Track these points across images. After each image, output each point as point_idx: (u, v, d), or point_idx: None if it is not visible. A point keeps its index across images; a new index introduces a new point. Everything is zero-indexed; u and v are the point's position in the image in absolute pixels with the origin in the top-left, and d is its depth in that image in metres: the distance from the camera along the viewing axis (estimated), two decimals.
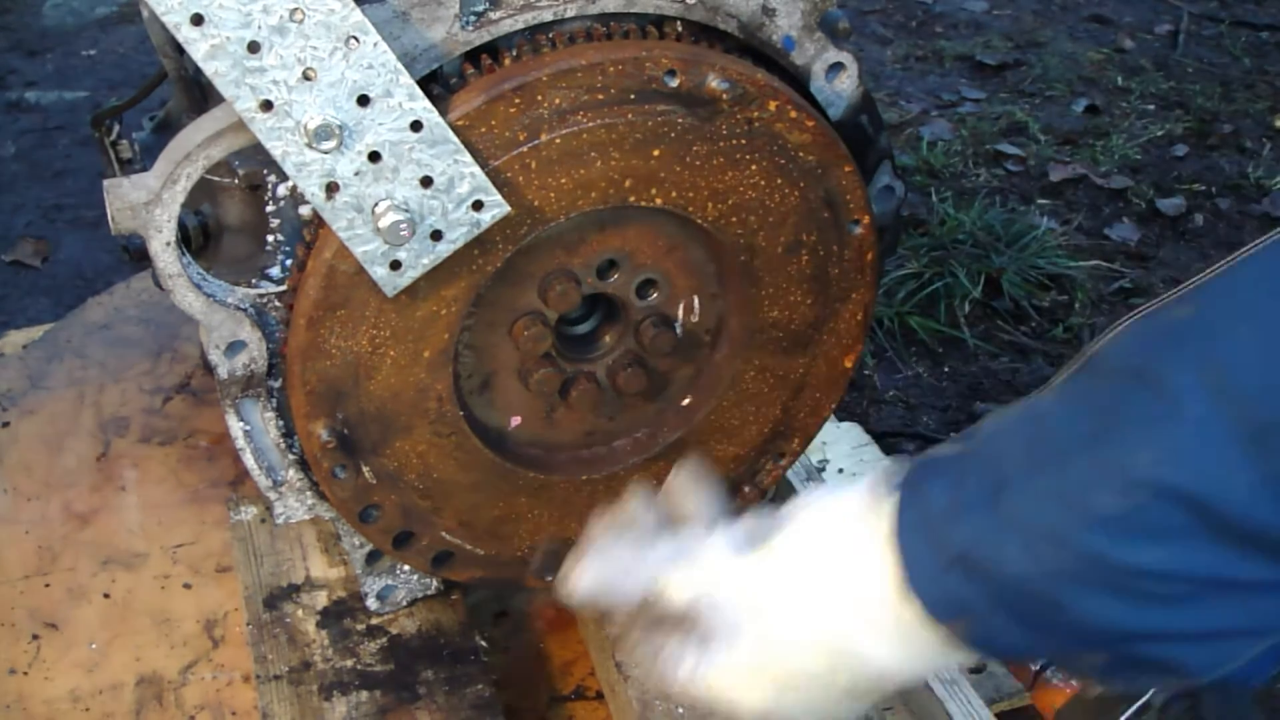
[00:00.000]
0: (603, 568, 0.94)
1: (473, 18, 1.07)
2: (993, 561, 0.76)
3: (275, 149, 0.99)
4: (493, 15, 1.07)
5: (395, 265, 1.06)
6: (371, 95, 0.99)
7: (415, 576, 1.35)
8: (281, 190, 1.13)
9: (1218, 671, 0.76)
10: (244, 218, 1.34)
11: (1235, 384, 0.69)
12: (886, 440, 2.37)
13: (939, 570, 0.79)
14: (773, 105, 1.12)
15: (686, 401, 1.31)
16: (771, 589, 0.87)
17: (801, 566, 0.87)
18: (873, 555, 0.82)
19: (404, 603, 1.36)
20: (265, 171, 1.15)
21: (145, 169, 1.12)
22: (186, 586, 1.51)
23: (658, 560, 0.92)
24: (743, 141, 1.13)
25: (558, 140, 1.07)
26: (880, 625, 0.82)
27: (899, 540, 0.80)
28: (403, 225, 1.03)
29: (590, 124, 1.07)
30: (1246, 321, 0.70)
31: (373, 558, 1.32)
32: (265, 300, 1.14)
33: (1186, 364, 0.71)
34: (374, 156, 1.01)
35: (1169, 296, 0.76)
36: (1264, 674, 0.79)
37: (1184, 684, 0.78)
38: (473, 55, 1.08)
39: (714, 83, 1.09)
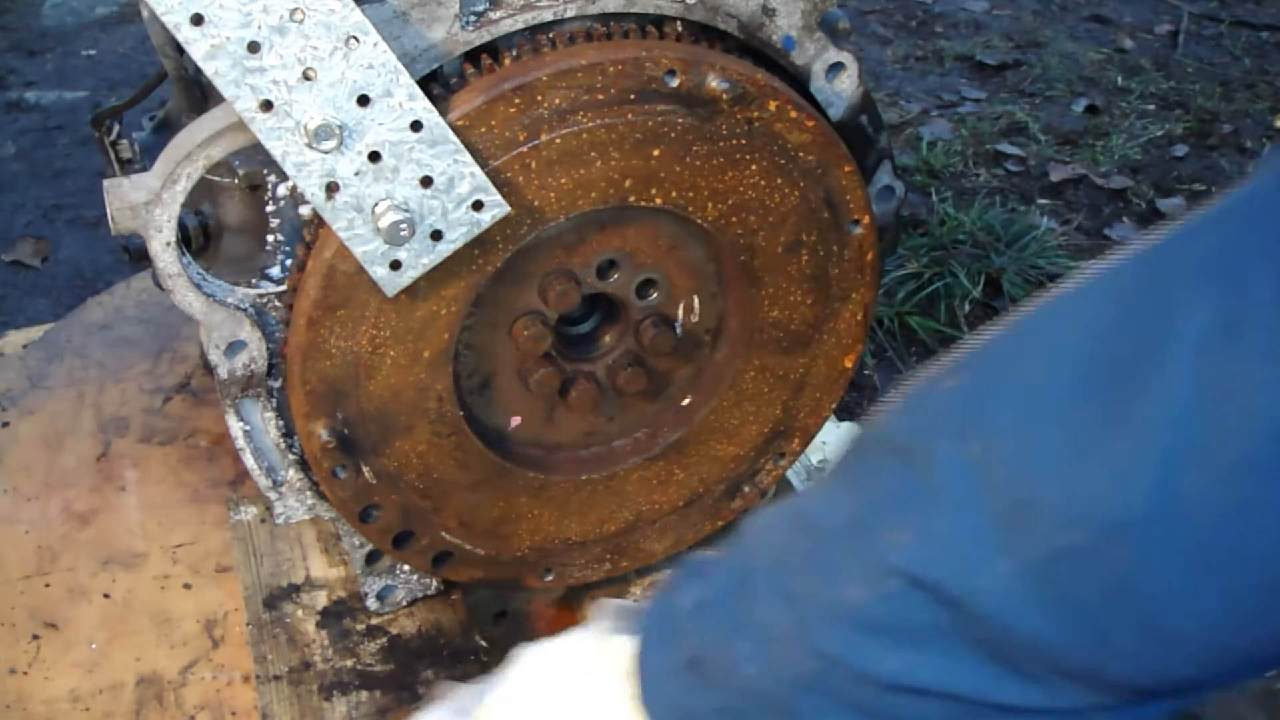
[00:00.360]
0: None
1: (473, 18, 1.07)
2: (723, 665, 0.68)
3: (275, 149, 0.99)
4: (493, 15, 1.07)
5: (395, 265, 1.06)
6: (371, 95, 0.99)
7: (415, 576, 1.36)
8: (281, 190, 1.13)
9: None
10: (244, 218, 1.34)
11: (994, 456, 0.60)
12: None
13: (669, 676, 0.71)
14: (773, 105, 1.12)
15: (686, 401, 1.31)
16: None
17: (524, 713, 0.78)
18: (609, 674, 0.74)
19: (404, 603, 1.37)
20: (265, 171, 1.15)
21: (145, 169, 1.12)
22: (186, 586, 1.51)
23: None
24: (743, 141, 1.13)
25: (558, 140, 1.07)
26: None
27: (640, 649, 0.73)
28: (403, 225, 1.03)
29: (590, 124, 1.08)
30: (1009, 382, 0.62)
31: (373, 558, 1.32)
32: (265, 300, 1.14)
33: (950, 436, 0.62)
34: (374, 156, 1.01)
35: (946, 365, 0.67)
36: None
37: None
38: (473, 55, 1.08)
39: (714, 83, 1.09)
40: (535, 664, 0.80)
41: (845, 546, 0.64)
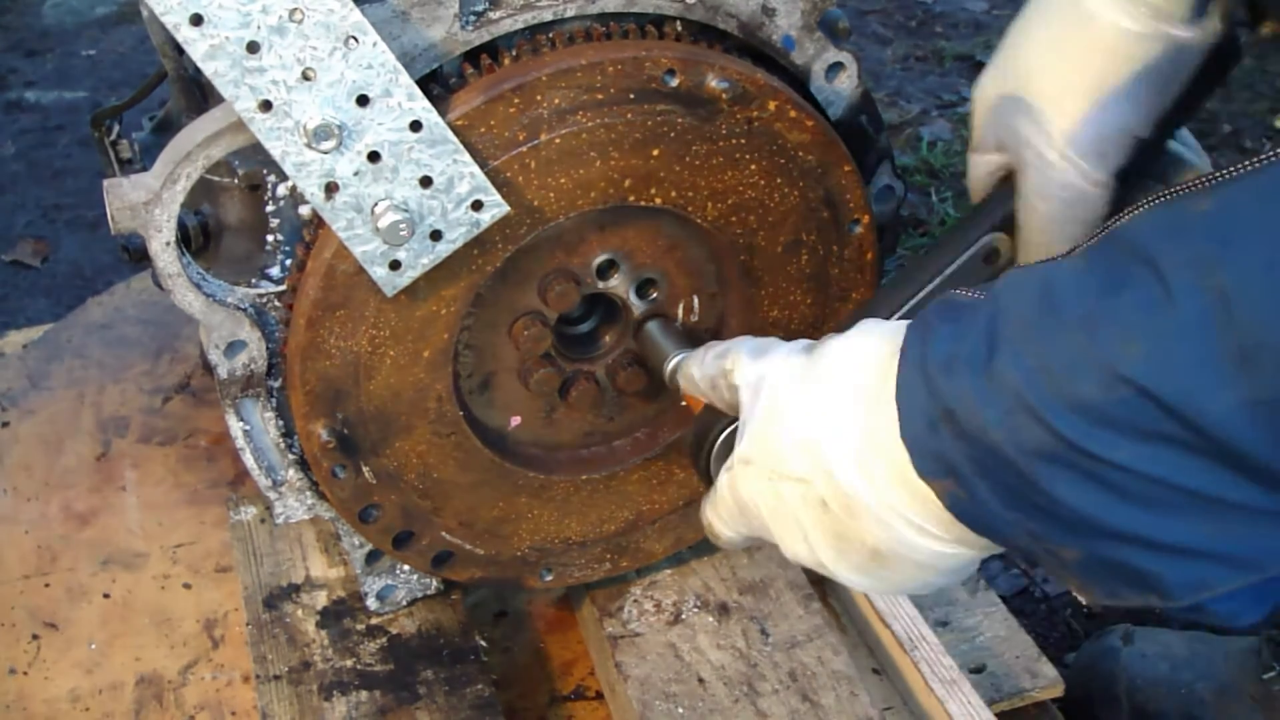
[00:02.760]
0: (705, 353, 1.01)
1: (472, 17, 1.07)
2: (975, 424, 0.73)
3: (275, 149, 0.99)
4: (492, 15, 1.07)
5: (395, 265, 1.06)
6: (371, 95, 0.99)
7: (415, 576, 1.36)
8: (281, 190, 1.13)
9: (1195, 595, 0.72)
10: (244, 218, 1.34)
11: (1235, 295, 0.64)
12: None
13: (924, 422, 0.76)
14: (772, 105, 1.12)
15: (686, 401, 1.31)
16: (794, 385, 0.89)
17: (828, 375, 0.86)
18: (885, 391, 0.80)
19: (404, 603, 1.37)
20: (265, 171, 1.15)
21: (145, 169, 1.12)
22: (186, 586, 1.51)
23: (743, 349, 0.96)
24: (742, 141, 1.13)
25: (557, 140, 1.07)
26: (863, 458, 0.81)
27: (898, 383, 0.79)
28: (402, 225, 1.03)
29: (590, 124, 1.08)
30: (1260, 233, 0.64)
31: (373, 558, 1.32)
32: (265, 300, 1.14)
33: (1189, 261, 0.66)
34: (373, 156, 1.01)
35: (1194, 183, 0.71)
36: (1247, 617, 0.75)
37: (1162, 602, 0.74)
38: (472, 55, 1.08)
39: (713, 82, 1.09)
40: (856, 342, 0.87)
41: (1082, 342, 0.69)
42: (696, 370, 1.05)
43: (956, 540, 0.81)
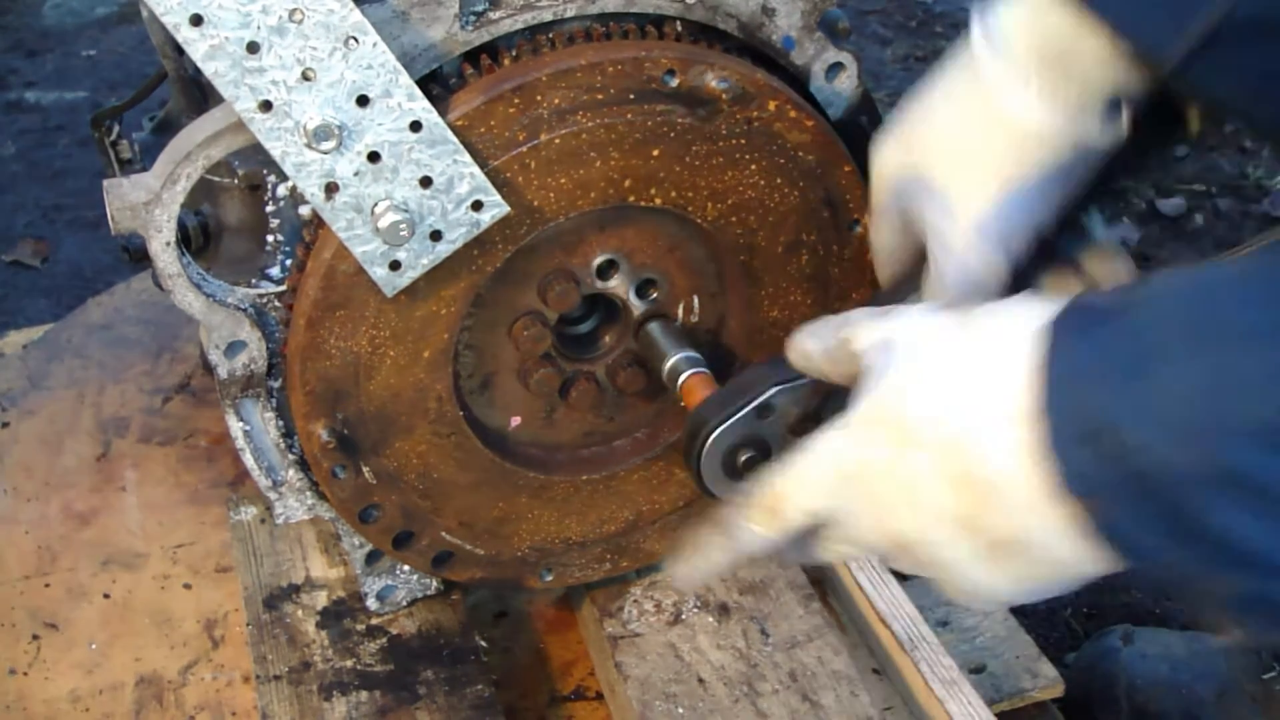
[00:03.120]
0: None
1: (472, 18, 1.07)
2: (1128, 444, 0.66)
3: (275, 149, 0.99)
4: (492, 15, 1.07)
5: (395, 265, 1.06)
6: (371, 95, 0.99)
7: (415, 576, 1.36)
8: (281, 190, 1.13)
9: None
10: (244, 218, 1.34)
11: None
12: None
13: (1075, 438, 0.69)
14: (772, 105, 1.12)
15: (685, 403, 1.31)
16: (942, 343, 0.80)
17: (990, 338, 0.77)
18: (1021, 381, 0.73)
19: (404, 603, 1.37)
20: (265, 171, 1.15)
21: (145, 169, 1.12)
22: (186, 586, 1.51)
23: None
24: (742, 141, 1.13)
25: (557, 140, 1.07)
26: (998, 445, 0.73)
27: (1046, 393, 0.71)
28: (402, 225, 1.03)
29: (590, 124, 1.08)
30: None
31: (373, 558, 1.32)
32: (265, 300, 1.14)
33: None
34: (373, 157, 1.01)
35: None
36: None
37: None
38: (472, 55, 1.08)
39: (713, 83, 1.09)
40: (1012, 313, 0.78)
41: (1262, 358, 0.63)
42: (812, 342, 0.95)
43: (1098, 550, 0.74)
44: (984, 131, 0.94)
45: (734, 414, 1.04)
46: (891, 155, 1.03)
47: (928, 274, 1.02)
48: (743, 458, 1.05)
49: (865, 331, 0.87)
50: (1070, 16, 0.90)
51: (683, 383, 1.18)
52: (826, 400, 1.03)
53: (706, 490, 1.08)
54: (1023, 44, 0.92)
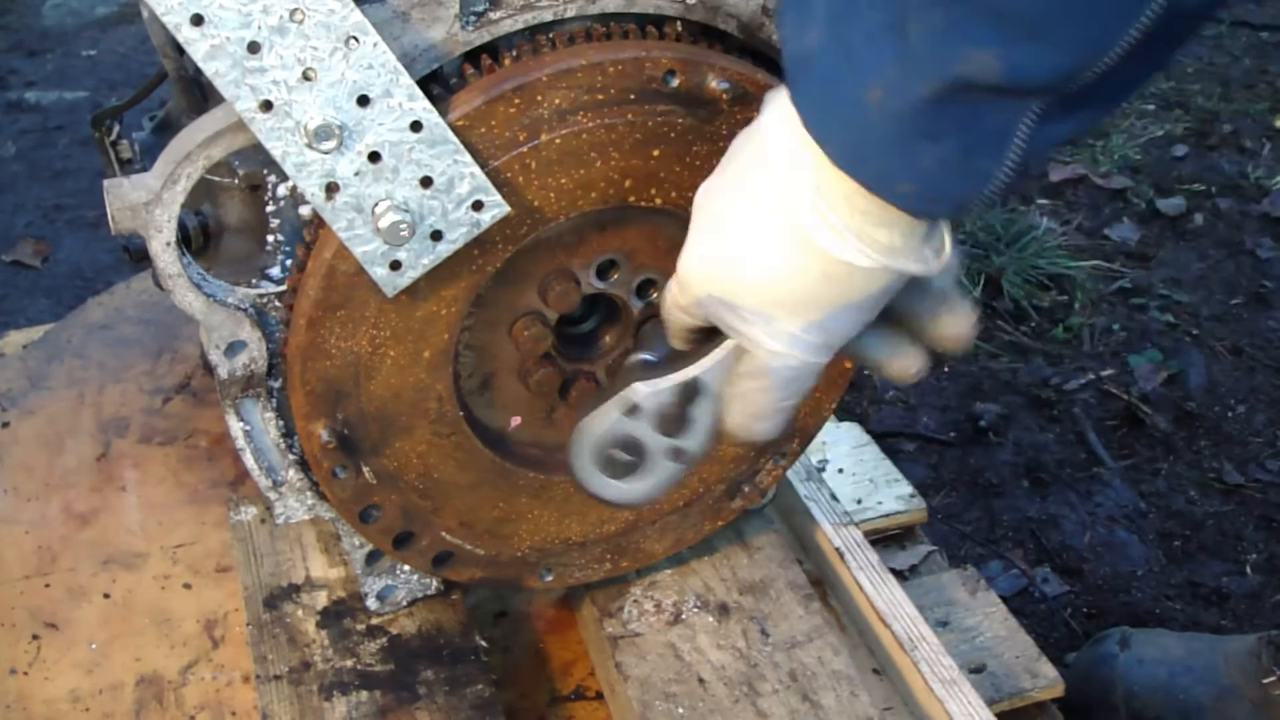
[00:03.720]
0: None
1: (473, 18, 1.07)
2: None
3: (275, 149, 0.99)
4: (493, 15, 1.07)
5: (395, 265, 1.06)
6: (371, 95, 0.99)
7: (415, 576, 1.36)
8: (281, 190, 1.13)
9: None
10: (244, 218, 1.34)
11: None
12: (886, 440, 2.37)
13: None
14: None
15: None
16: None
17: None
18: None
19: (404, 603, 1.37)
20: (265, 171, 1.15)
21: (145, 169, 1.12)
22: (186, 586, 1.51)
23: None
24: None
25: (557, 140, 1.07)
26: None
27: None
28: (403, 225, 1.03)
29: (590, 124, 1.08)
30: None
31: (373, 558, 1.32)
32: (265, 300, 1.14)
33: None
34: (374, 157, 1.01)
35: None
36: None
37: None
38: (473, 55, 1.08)
39: (714, 83, 1.09)
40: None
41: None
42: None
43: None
44: (801, 266, 0.93)
45: (599, 412, 1.06)
46: (699, 280, 0.99)
47: (738, 368, 1.02)
48: (619, 458, 1.06)
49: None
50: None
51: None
52: (691, 399, 1.04)
53: (587, 488, 1.09)
54: (830, 189, 0.89)
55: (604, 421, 1.05)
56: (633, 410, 1.05)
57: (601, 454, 1.07)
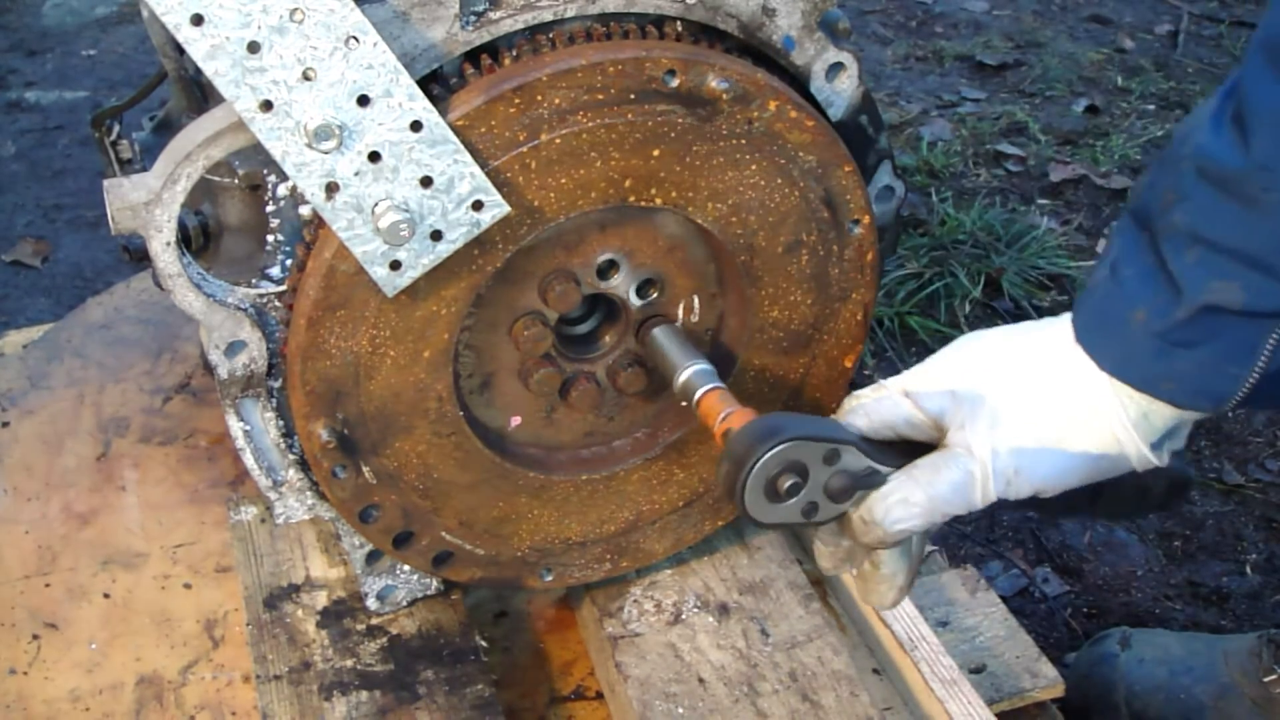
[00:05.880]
0: None
1: (473, 18, 1.07)
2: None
3: (275, 149, 0.99)
4: (493, 15, 1.07)
5: (395, 265, 1.06)
6: (371, 95, 0.99)
7: (415, 576, 1.36)
8: (281, 190, 1.13)
9: None
10: (244, 218, 1.34)
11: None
12: None
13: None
14: (773, 105, 1.12)
15: (686, 402, 1.31)
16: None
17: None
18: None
19: (404, 603, 1.37)
20: (265, 171, 1.15)
21: (145, 169, 1.12)
22: (186, 586, 1.51)
23: None
24: (743, 141, 1.13)
25: (557, 140, 1.07)
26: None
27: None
28: (402, 225, 1.03)
29: (590, 124, 1.08)
30: None
31: (373, 558, 1.32)
32: (265, 300, 1.14)
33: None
34: (374, 156, 1.01)
35: None
36: None
37: None
38: (473, 55, 1.08)
39: (714, 83, 1.09)
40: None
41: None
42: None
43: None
44: (1058, 396, 1.07)
45: (813, 438, 1.06)
46: (966, 367, 1.10)
47: (930, 461, 1.08)
48: (787, 482, 1.06)
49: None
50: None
51: (700, 398, 1.17)
52: (865, 477, 1.08)
53: (741, 500, 1.08)
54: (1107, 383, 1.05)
55: (808, 447, 1.06)
56: (832, 457, 1.06)
57: (778, 474, 1.06)
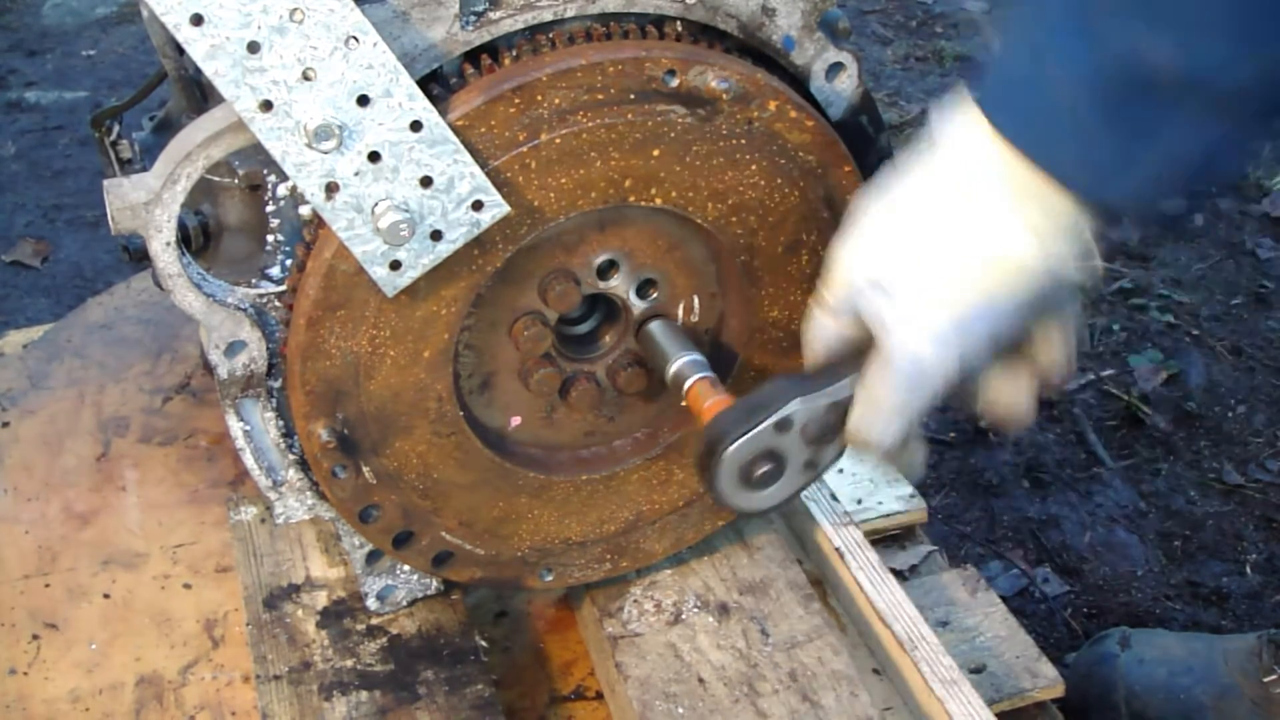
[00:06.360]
0: None
1: (473, 18, 1.07)
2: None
3: (275, 149, 0.99)
4: (493, 15, 1.07)
5: (395, 265, 1.06)
6: (371, 95, 0.99)
7: (415, 576, 1.36)
8: (281, 190, 1.13)
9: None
10: (244, 218, 1.34)
11: None
12: None
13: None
14: (773, 105, 1.12)
15: (688, 403, 1.31)
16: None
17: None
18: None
19: (404, 603, 1.37)
20: (265, 171, 1.15)
21: (145, 169, 1.12)
22: (186, 586, 1.51)
23: None
24: (743, 141, 1.13)
25: (557, 140, 1.07)
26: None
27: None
28: (402, 225, 1.03)
29: (590, 124, 1.08)
30: None
31: (373, 558, 1.32)
32: (265, 300, 1.14)
33: None
34: (374, 156, 1.01)
35: None
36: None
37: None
38: (472, 55, 1.08)
39: (714, 82, 1.09)
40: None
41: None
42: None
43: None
44: (957, 252, 0.96)
45: (753, 427, 1.06)
46: (855, 260, 1.04)
47: (869, 364, 1.04)
48: (759, 470, 1.07)
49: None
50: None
51: (689, 387, 1.18)
52: (843, 415, 1.07)
53: (720, 499, 1.09)
54: (1000, 175, 0.93)
55: (756, 435, 1.06)
56: (784, 425, 1.06)
57: (745, 467, 1.07)
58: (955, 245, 0.96)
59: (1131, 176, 0.89)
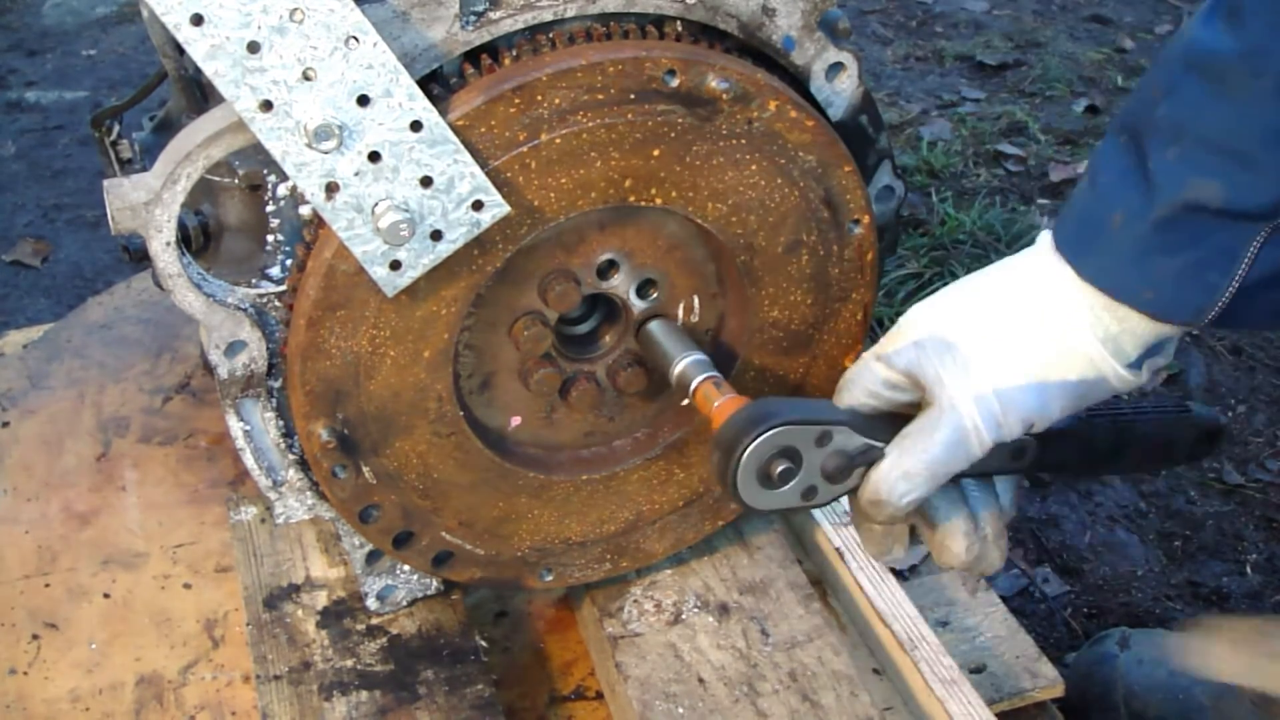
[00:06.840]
0: None
1: (473, 18, 1.07)
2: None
3: (275, 149, 0.99)
4: (493, 15, 1.07)
5: (395, 265, 1.06)
6: (371, 95, 0.99)
7: (415, 576, 1.36)
8: (281, 190, 1.13)
9: None
10: (244, 218, 1.34)
11: None
12: None
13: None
14: (773, 105, 1.12)
15: (686, 401, 1.31)
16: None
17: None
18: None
19: (404, 603, 1.37)
20: (265, 171, 1.15)
21: (145, 169, 1.12)
22: (186, 586, 1.51)
23: None
24: (743, 141, 1.13)
25: (557, 140, 1.07)
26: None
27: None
28: (402, 225, 1.03)
29: (590, 124, 1.08)
30: None
31: (373, 558, 1.32)
32: (265, 300, 1.14)
33: None
34: (374, 156, 1.01)
35: None
36: None
37: None
38: (473, 55, 1.08)
39: (714, 82, 1.09)
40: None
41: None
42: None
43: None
44: (1025, 329, 1.04)
45: (807, 420, 1.07)
46: (927, 319, 1.09)
47: (913, 422, 1.08)
48: (779, 466, 1.07)
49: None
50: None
51: (696, 387, 1.18)
52: (859, 466, 1.08)
53: (731, 474, 1.08)
54: (1078, 286, 1.03)
55: (805, 431, 1.06)
56: (825, 439, 1.07)
57: (774, 453, 1.07)
58: (1024, 323, 1.04)
59: (1195, 294, 0.98)
